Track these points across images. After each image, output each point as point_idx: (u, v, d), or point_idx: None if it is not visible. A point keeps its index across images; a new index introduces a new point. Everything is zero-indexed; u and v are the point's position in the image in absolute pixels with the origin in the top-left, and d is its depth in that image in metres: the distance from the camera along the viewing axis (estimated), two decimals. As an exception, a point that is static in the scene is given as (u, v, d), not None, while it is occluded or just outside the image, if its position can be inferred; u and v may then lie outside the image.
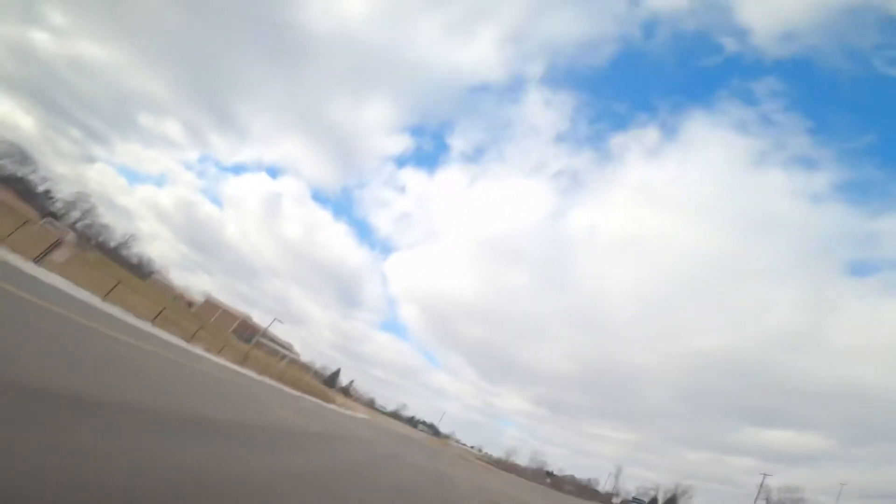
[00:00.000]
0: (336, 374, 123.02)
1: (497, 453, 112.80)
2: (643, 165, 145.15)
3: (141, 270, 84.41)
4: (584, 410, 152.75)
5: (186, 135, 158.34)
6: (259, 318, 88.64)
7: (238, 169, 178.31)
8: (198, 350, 25.26)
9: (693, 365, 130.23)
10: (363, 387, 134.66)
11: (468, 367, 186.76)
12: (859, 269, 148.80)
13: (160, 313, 25.24)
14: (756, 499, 68.37)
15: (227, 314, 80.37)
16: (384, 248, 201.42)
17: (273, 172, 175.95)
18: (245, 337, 69.33)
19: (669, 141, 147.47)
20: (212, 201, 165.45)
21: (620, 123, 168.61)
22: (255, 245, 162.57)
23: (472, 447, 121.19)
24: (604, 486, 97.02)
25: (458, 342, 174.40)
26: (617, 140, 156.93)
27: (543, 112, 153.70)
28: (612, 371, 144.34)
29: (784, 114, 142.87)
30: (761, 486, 68.76)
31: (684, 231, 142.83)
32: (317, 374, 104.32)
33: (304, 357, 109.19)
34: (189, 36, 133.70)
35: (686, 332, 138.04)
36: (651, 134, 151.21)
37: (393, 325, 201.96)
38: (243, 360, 34.62)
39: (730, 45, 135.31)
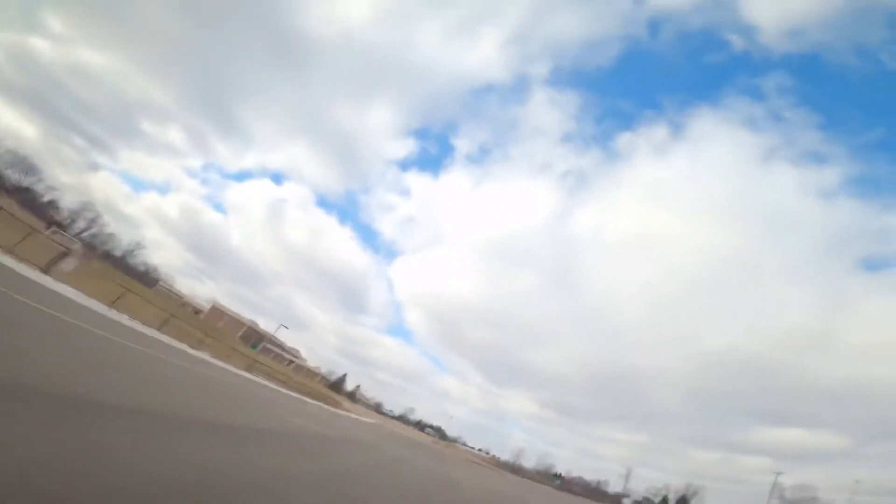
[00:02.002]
0: (342, 378, 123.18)
1: (504, 456, 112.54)
2: (651, 164, 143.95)
3: (147, 278, 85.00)
4: (592, 413, 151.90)
5: (189, 142, 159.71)
6: (265, 325, 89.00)
7: (242, 176, 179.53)
8: (205, 356, 25.40)
9: (703, 365, 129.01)
10: (370, 391, 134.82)
11: (474, 371, 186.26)
12: (873, 265, 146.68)
13: (167, 321, 25.45)
14: (769, 498, 67.84)
15: (233, 320, 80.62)
16: (389, 253, 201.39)
17: (277, 178, 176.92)
18: (252, 343, 69.62)
19: (677, 139, 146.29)
20: (215, 209, 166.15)
21: (627, 122, 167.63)
22: (259, 251, 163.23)
23: (479, 450, 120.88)
24: (613, 487, 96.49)
25: (465, 346, 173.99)
26: (624, 139, 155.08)
27: (549, 112, 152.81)
28: (620, 373, 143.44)
29: (793, 110, 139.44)
30: (774, 484, 68.34)
31: (694, 230, 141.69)
32: (323, 378, 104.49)
33: (311, 362, 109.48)
34: (189, 40, 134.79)
35: (696, 332, 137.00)
36: (659, 132, 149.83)
37: (399, 330, 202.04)
38: (250, 366, 34.77)
39: (736, 42, 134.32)
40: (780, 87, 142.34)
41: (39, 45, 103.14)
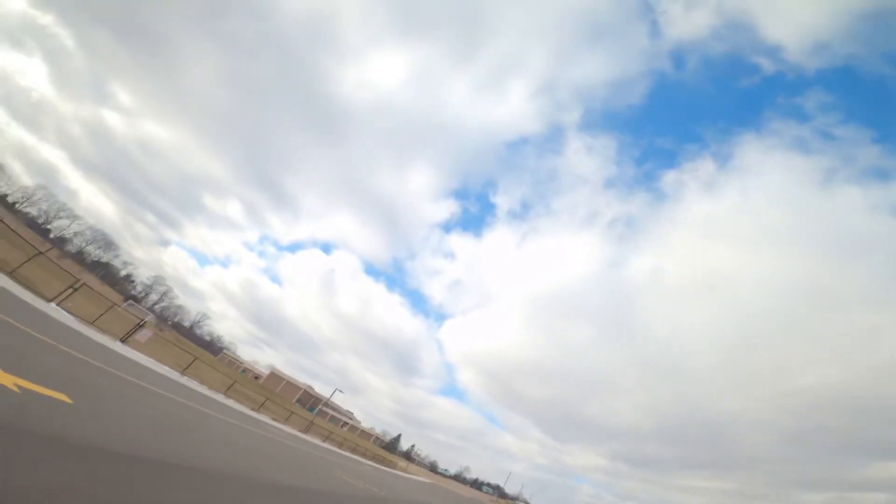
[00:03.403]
0: (397, 439, 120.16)
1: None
2: (702, 199, 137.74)
3: (213, 347, 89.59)
4: (669, 462, 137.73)
5: (246, 215, 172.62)
6: (321, 389, 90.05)
7: (294, 247, 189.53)
8: (265, 419, 25.78)
9: (795, 404, 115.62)
10: (424, 450, 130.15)
11: (533, 427, 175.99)
12: None
13: (231, 386, 26.34)
14: None
15: (290, 385, 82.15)
16: (438, 316, 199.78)
17: (326, 248, 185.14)
18: (308, 406, 70.19)
19: (725, 170, 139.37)
20: (272, 280, 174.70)
21: (670, 160, 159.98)
22: (314, 320, 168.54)
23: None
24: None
25: (521, 402, 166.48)
26: (669, 177, 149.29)
27: (587, 159, 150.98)
28: (698, 418, 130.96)
29: (842, 126, 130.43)
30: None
31: (759, 263, 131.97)
32: (378, 439, 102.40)
33: (365, 424, 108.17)
34: (239, 115, 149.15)
35: (781, 370, 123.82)
36: (705, 165, 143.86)
37: (452, 390, 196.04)
38: (307, 428, 34.81)
39: (765, 63, 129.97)
40: (822, 104, 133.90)
41: (110, 116, 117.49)
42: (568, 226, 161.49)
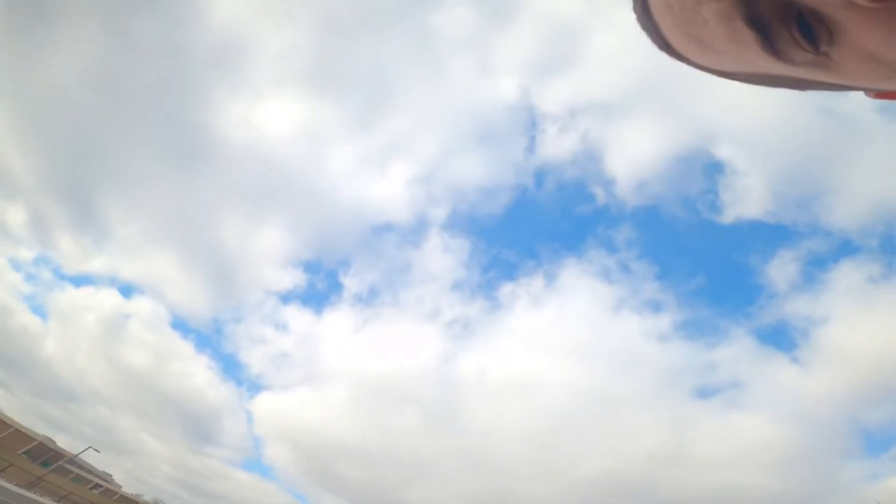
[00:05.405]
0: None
1: None
2: (528, 312, 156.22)
3: None
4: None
5: (30, 227, 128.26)
6: (69, 444, 69.86)
7: (82, 280, 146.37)
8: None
9: (582, 490, 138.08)
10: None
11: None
12: (704, 393, 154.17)
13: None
14: None
15: (19, 434, 62.11)
16: (254, 386, 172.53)
17: (127, 291, 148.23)
18: (44, 461, 53.99)
19: (550, 288, 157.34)
20: (34, 311, 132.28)
21: (511, 272, 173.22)
22: (81, 368, 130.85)
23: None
24: None
25: (337, 483, 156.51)
26: (507, 289, 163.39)
27: (442, 258, 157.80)
28: None
29: (637, 261, 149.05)
30: None
31: (562, 370, 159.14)
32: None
33: (131, 489, 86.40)
34: (83, 113, 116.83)
35: (572, 461, 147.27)
36: (536, 282, 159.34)
37: (256, 465, 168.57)
38: (34, 484, 26.54)
39: (600, 194, 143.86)
40: (628, 239, 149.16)
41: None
42: (410, 319, 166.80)
